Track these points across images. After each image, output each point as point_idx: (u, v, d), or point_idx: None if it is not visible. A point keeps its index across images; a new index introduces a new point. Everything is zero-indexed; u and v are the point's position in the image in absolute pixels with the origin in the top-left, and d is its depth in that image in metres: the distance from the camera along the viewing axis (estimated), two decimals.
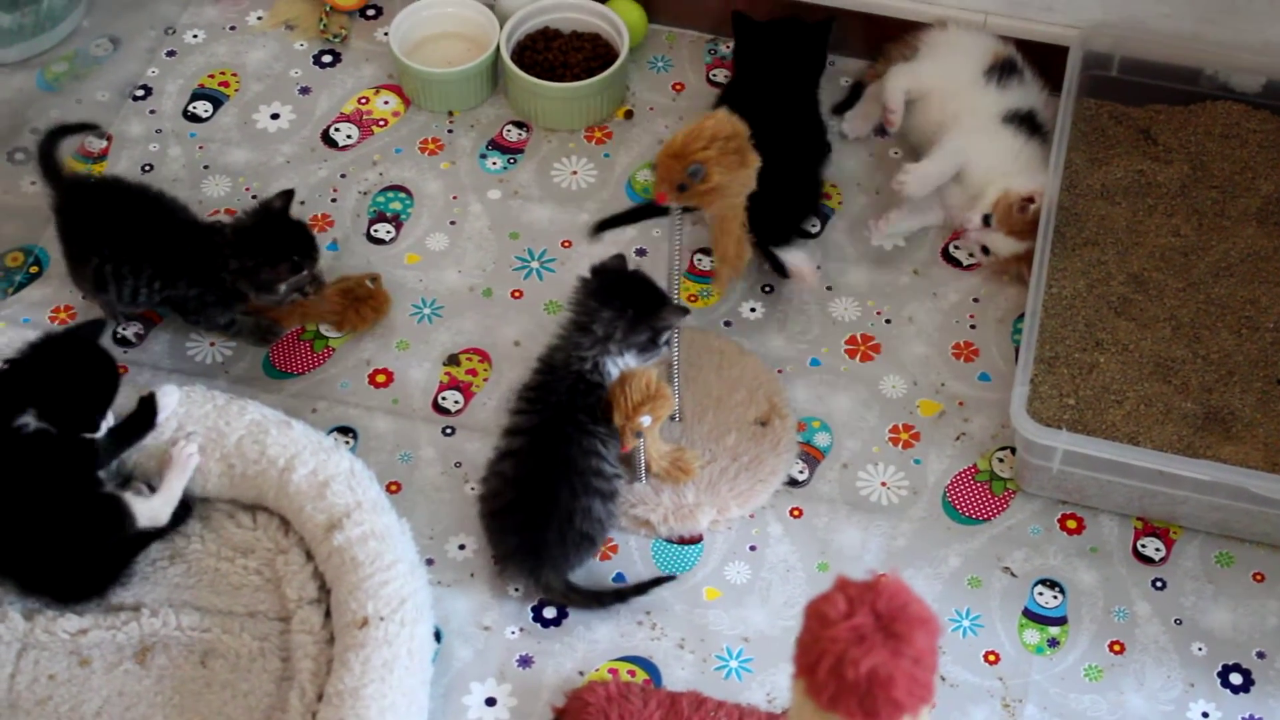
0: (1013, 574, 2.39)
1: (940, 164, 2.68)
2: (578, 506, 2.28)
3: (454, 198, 2.79)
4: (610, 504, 2.34)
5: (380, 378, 2.58)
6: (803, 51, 2.80)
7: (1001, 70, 2.72)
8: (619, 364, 2.34)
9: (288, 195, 2.47)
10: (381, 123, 2.90)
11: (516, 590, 2.35)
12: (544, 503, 2.28)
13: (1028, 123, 2.69)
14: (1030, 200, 2.58)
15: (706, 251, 2.67)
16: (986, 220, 2.62)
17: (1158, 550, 2.42)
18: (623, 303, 2.32)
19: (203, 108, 2.91)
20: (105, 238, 2.48)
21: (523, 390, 2.37)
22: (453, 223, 2.76)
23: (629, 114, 2.91)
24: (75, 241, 2.53)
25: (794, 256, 2.64)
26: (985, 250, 2.66)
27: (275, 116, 2.90)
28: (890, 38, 2.87)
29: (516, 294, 2.67)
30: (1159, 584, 2.38)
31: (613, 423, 2.32)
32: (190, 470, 2.33)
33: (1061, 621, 2.35)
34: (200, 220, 2.56)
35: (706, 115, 2.25)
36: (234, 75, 2.96)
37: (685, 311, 2.36)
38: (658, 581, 2.36)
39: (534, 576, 2.31)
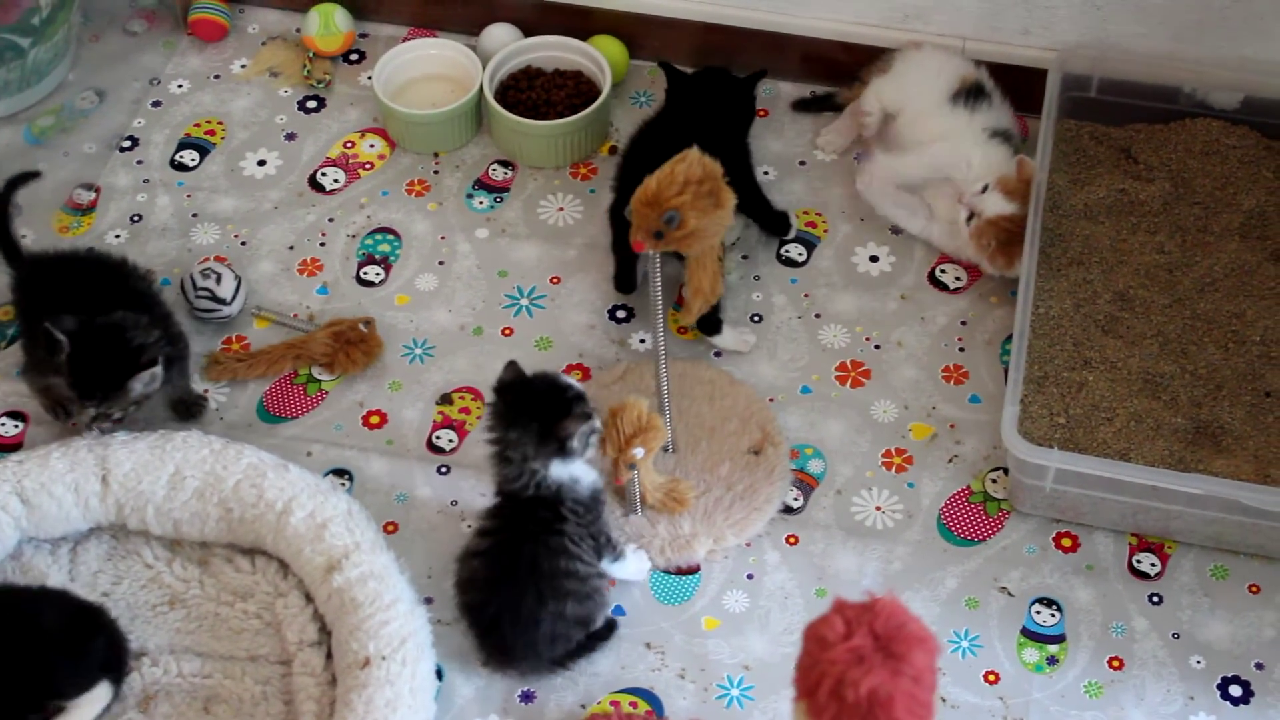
0: (1010, 594, 2.40)
1: (918, 166, 2.74)
2: (545, 613, 2.24)
3: (442, 238, 2.81)
4: (589, 602, 2.28)
5: (374, 419, 2.59)
6: (730, 103, 2.76)
7: (969, 94, 2.74)
8: (561, 472, 2.26)
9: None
10: (368, 166, 2.91)
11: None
12: (510, 610, 2.24)
13: (1006, 140, 2.71)
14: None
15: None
16: (984, 189, 2.63)
17: (1153, 565, 2.43)
18: (528, 417, 2.24)
19: (189, 156, 2.93)
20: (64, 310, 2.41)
21: (489, 509, 2.32)
22: (441, 263, 2.77)
23: (613, 149, 2.93)
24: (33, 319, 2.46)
25: (725, 339, 2.65)
26: (969, 219, 2.66)
27: (262, 163, 2.92)
28: (866, 64, 2.89)
29: (507, 331, 2.68)
30: (1155, 599, 2.39)
31: (584, 519, 2.28)
32: None
33: (1060, 639, 2.36)
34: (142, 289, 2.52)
35: (678, 158, 2.25)
36: (220, 123, 2.98)
37: (588, 417, 2.24)
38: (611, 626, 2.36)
39: (514, 672, 2.32)
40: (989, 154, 2.69)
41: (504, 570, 2.25)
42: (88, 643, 2.23)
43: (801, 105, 2.99)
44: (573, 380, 2.29)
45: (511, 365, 2.29)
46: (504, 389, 2.27)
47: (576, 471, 2.26)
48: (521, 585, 2.23)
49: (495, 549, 2.27)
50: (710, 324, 2.63)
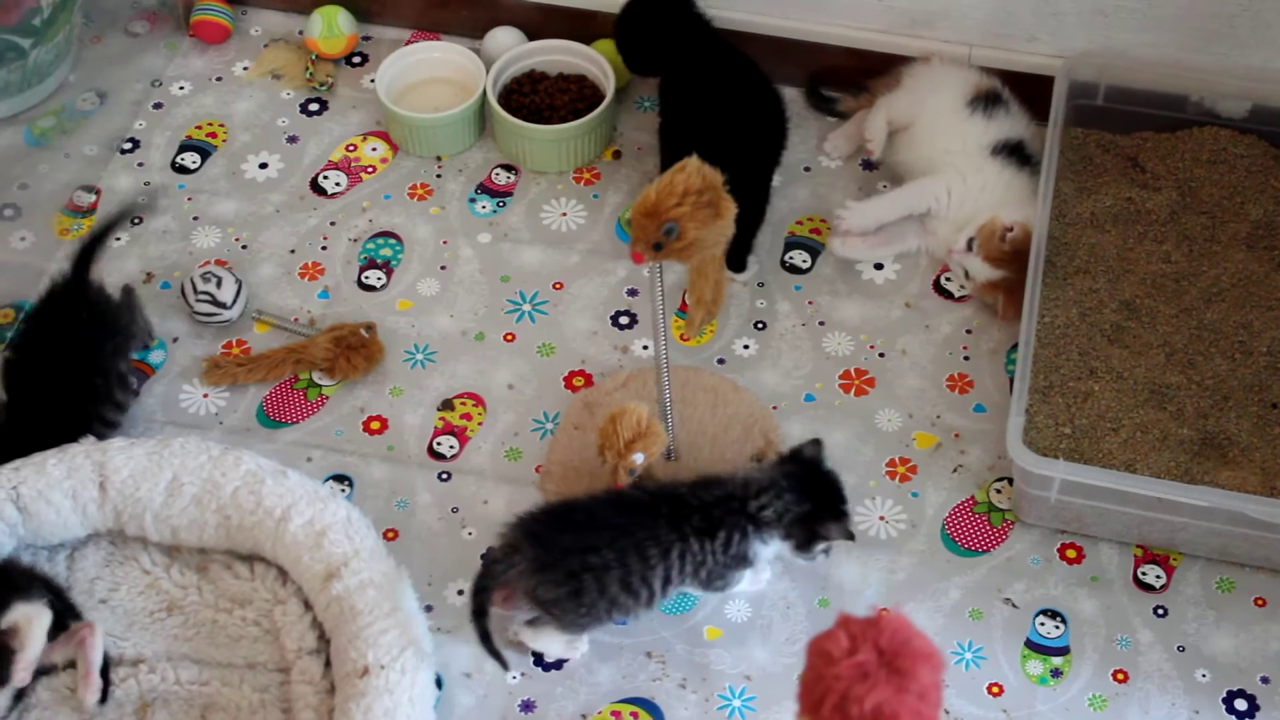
0: (1014, 605, 2.39)
1: (889, 206, 2.72)
2: (597, 561, 2.20)
3: (444, 242, 2.79)
4: (625, 596, 2.23)
5: (375, 424, 2.57)
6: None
7: (986, 101, 2.73)
8: (762, 543, 2.27)
9: None
10: (370, 169, 2.90)
11: (516, 634, 2.34)
12: (585, 528, 2.23)
13: (1017, 153, 2.70)
14: (1010, 230, 2.58)
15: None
16: (969, 244, 2.62)
17: (1158, 577, 2.41)
18: (808, 495, 2.27)
19: (191, 159, 2.91)
20: None
21: (689, 486, 2.30)
22: (443, 267, 2.76)
23: (617, 154, 2.92)
24: None
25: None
26: (966, 274, 2.66)
27: (264, 166, 2.90)
28: (875, 72, 2.88)
29: (509, 337, 2.67)
30: (1160, 611, 2.38)
31: (717, 564, 2.26)
32: (100, 643, 2.26)
33: (1064, 651, 2.35)
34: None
35: (677, 167, 2.23)
36: (221, 126, 2.97)
37: (850, 536, 2.28)
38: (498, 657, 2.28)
39: (506, 555, 2.24)
40: (977, 178, 2.68)
41: (624, 510, 2.25)
42: None
43: (814, 96, 2.97)
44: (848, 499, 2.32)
45: (817, 443, 2.32)
46: (802, 459, 2.31)
47: (758, 553, 2.29)
48: (613, 534, 2.22)
49: (642, 498, 2.26)
50: (738, 261, 2.69)
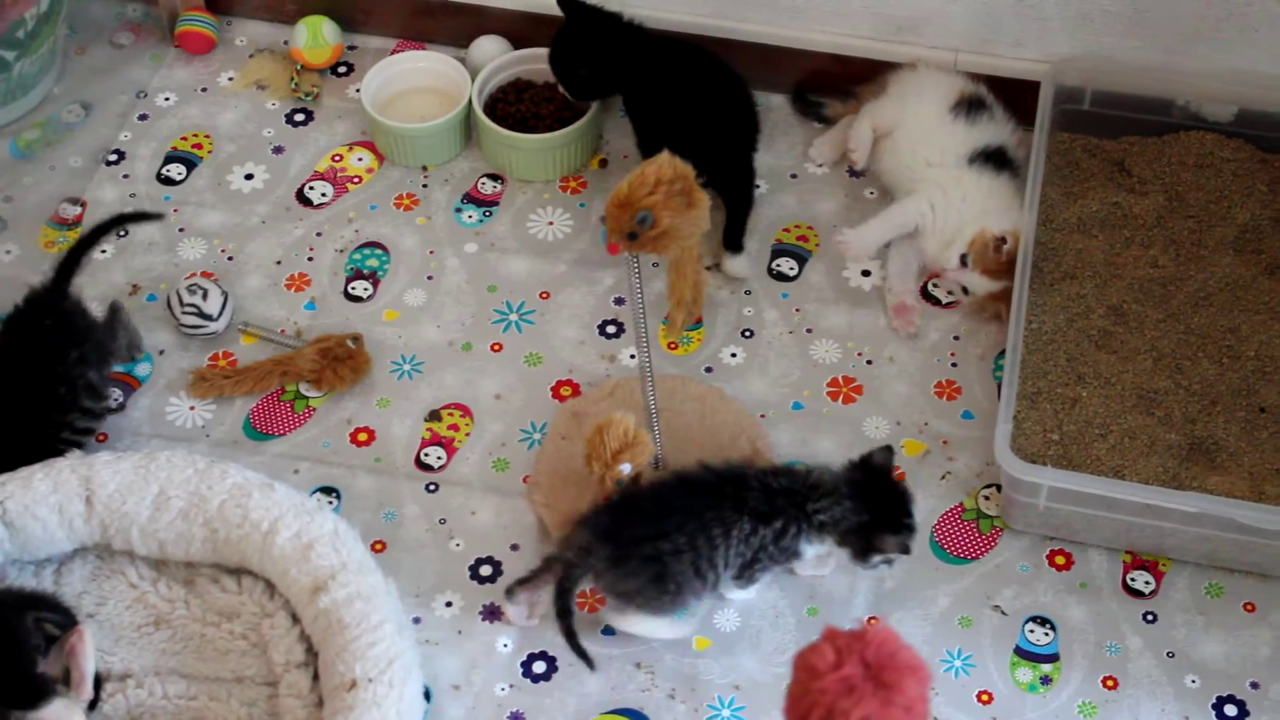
0: (1003, 612, 2.38)
1: (882, 228, 2.72)
2: (669, 547, 2.22)
3: (431, 252, 2.79)
4: (696, 580, 2.25)
5: (362, 436, 2.57)
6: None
7: (969, 107, 2.73)
8: (812, 546, 2.30)
9: None
10: (356, 180, 2.89)
11: (506, 645, 2.34)
12: (654, 515, 2.25)
13: (997, 159, 2.69)
14: (1004, 240, 2.58)
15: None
16: (964, 260, 2.62)
17: (1147, 583, 2.41)
18: (866, 505, 2.28)
19: (176, 170, 2.91)
20: None
21: (756, 470, 2.32)
22: (430, 278, 2.75)
23: (603, 163, 2.91)
24: None
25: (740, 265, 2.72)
26: (965, 290, 2.66)
27: (249, 177, 2.90)
28: (862, 78, 2.88)
29: (496, 347, 2.67)
30: (1150, 617, 2.38)
31: (764, 554, 2.28)
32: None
33: (1053, 658, 2.34)
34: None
35: (649, 161, 2.24)
36: (207, 137, 2.96)
37: (906, 550, 2.29)
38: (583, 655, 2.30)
39: (581, 556, 2.26)
40: (957, 189, 2.68)
41: (691, 492, 2.27)
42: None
43: (801, 102, 2.96)
44: (915, 513, 2.32)
45: (888, 450, 2.32)
46: (871, 467, 2.31)
47: (812, 553, 2.31)
48: (684, 515, 2.24)
49: (709, 479, 2.29)
50: (734, 241, 2.73)
